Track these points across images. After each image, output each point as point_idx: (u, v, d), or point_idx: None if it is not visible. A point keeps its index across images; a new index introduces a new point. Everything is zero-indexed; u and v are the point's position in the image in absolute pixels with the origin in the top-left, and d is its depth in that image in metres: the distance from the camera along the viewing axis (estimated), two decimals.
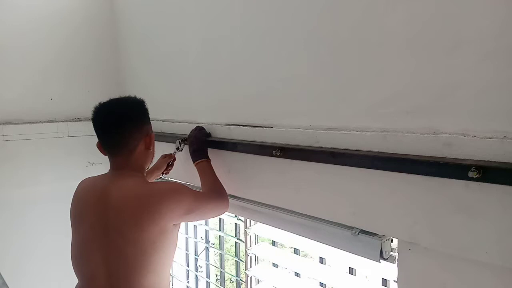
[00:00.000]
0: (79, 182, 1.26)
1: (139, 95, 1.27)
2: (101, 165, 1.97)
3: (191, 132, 1.43)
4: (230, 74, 1.35)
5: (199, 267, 2.14)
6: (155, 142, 1.29)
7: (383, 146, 0.90)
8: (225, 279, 3.35)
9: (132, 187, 1.11)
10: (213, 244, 2.15)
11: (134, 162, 1.19)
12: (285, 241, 1.48)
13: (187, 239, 2.14)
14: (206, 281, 2.08)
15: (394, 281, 1.01)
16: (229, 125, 1.36)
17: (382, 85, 0.90)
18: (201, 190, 1.27)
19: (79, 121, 2.01)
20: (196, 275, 2.13)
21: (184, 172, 1.58)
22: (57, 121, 1.96)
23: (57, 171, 1.94)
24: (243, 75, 1.29)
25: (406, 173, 0.85)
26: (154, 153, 1.29)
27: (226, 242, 4.13)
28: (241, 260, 1.77)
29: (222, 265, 2.11)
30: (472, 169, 0.72)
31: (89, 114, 1.19)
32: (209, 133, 1.43)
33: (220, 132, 1.39)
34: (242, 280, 1.74)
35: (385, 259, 1.00)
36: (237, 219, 1.74)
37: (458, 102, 0.78)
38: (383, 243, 0.99)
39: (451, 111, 0.79)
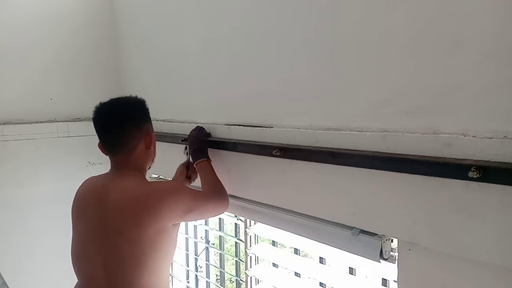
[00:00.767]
0: (80, 182, 1.26)
1: (139, 95, 1.27)
2: (101, 165, 1.97)
3: (191, 132, 1.43)
4: (230, 74, 1.35)
5: (199, 267, 2.14)
6: (156, 142, 1.29)
7: (383, 146, 0.90)
8: (225, 279, 3.34)
9: (132, 187, 1.12)
10: (213, 244, 2.15)
11: (134, 162, 1.20)
12: (285, 241, 1.48)
13: (187, 239, 2.14)
14: (206, 281, 2.08)
15: (394, 281, 1.01)
16: (229, 125, 1.36)
17: (382, 85, 0.90)
18: (201, 190, 1.27)
19: (79, 121, 2.01)
20: (196, 275, 2.13)
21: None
22: (57, 121, 1.96)
23: (57, 171, 1.94)
24: (243, 75, 1.29)
25: (406, 173, 0.85)
26: (155, 153, 1.29)
27: (226, 242, 4.13)
28: (241, 260, 1.77)
29: (222, 265, 2.11)
30: (472, 169, 0.72)
31: (89, 114, 1.19)
32: (209, 133, 1.43)
33: (220, 132, 1.39)
34: (242, 280, 1.74)
35: (385, 259, 1.00)
36: (237, 219, 1.74)
37: (458, 102, 0.78)
38: (383, 243, 0.99)
39: (451, 111, 0.79)
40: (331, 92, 1.02)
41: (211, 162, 1.35)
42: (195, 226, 2.10)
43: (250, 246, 1.59)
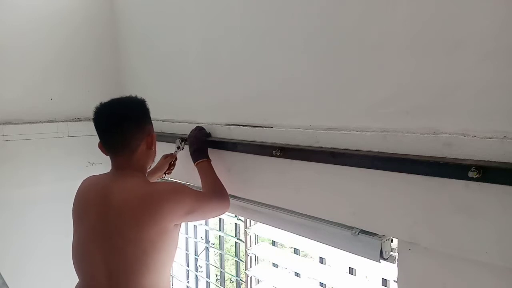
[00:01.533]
0: (81, 181, 1.26)
1: (139, 95, 1.27)
2: (101, 165, 1.97)
3: (191, 132, 1.43)
4: (230, 74, 1.35)
5: (199, 267, 2.14)
6: (156, 142, 1.29)
7: (383, 146, 0.90)
8: (225, 279, 3.34)
9: (133, 187, 1.12)
10: (213, 244, 2.15)
11: (135, 162, 1.19)
12: (285, 241, 1.48)
13: (187, 239, 2.14)
14: (206, 281, 2.08)
15: (394, 281, 1.01)
16: (229, 125, 1.36)
17: (382, 85, 0.90)
18: (201, 190, 1.27)
19: (79, 121, 2.01)
20: (196, 275, 2.13)
21: (185, 172, 1.58)
22: (57, 121, 1.96)
23: (57, 171, 1.94)
24: (243, 75, 1.29)
25: (406, 173, 0.85)
26: (155, 153, 1.29)
27: (226, 242, 4.13)
28: (241, 260, 1.77)
29: (222, 265, 2.11)
30: (472, 169, 0.72)
31: (89, 114, 1.19)
32: (209, 133, 1.43)
33: (220, 132, 1.39)
34: (242, 280, 1.74)
35: (385, 259, 1.00)
36: (237, 219, 1.74)
37: (458, 102, 0.78)
38: (383, 243, 0.99)
39: (451, 111, 0.79)
40: (331, 92, 1.02)
41: (211, 162, 1.35)
42: (195, 226, 2.10)
43: (250, 246, 1.59)
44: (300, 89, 1.10)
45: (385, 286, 1.24)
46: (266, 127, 1.21)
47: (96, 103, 1.19)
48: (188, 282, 2.17)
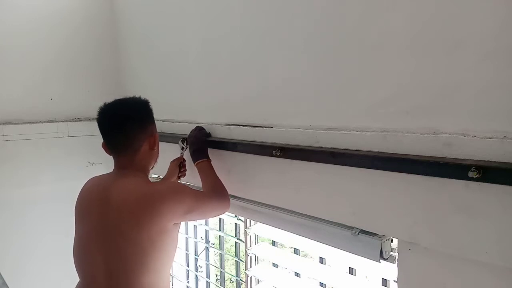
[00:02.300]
0: (80, 182, 1.26)
1: (139, 95, 1.27)
2: (101, 165, 1.97)
3: (191, 132, 1.43)
4: (230, 74, 1.35)
5: (199, 267, 2.14)
6: (159, 142, 1.29)
7: (383, 146, 0.90)
8: (225, 279, 3.34)
9: (133, 187, 1.12)
10: (213, 244, 2.15)
11: (138, 162, 1.20)
12: (285, 241, 1.48)
13: (187, 239, 2.14)
14: (206, 281, 2.08)
15: (394, 281, 1.01)
16: (229, 125, 1.36)
17: (382, 85, 0.90)
18: (202, 190, 1.27)
19: (79, 121, 2.00)
20: (196, 275, 2.13)
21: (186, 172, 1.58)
22: (57, 121, 1.96)
23: (57, 171, 1.94)
24: (243, 75, 1.29)
25: (406, 173, 0.85)
26: (158, 153, 1.29)
27: (226, 242, 4.13)
28: (241, 260, 1.77)
29: (222, 265, 2.11)
30: (472, 169, 0.72)
31: (89, 114, 1.19)
32: (209, 133, 1.43)
33: (220, 132, 1.39)
34: (242, 280, 1.74)
35: (385, 259, 1.00)
36: (237, 219, 1.74)
37: (458, 102, 0.78)
38: (383, 243, 0.99)
39: (451, 111, 0.79)
40: (331, 92, 1.02)
41: (211, 162, 1.35)
42: (195, 226, 2.10)
43: (250, 246, 1.59)
44: (300, 89, 1.10)
45: (385, 286, 1.24)
46: (266, 127, 1.21)
47: (96, 103, 1.20)
48: (188, 282, 2.17)
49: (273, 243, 1.66)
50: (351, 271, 1.33)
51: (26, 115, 1.88)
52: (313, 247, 1.35)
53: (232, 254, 2.67)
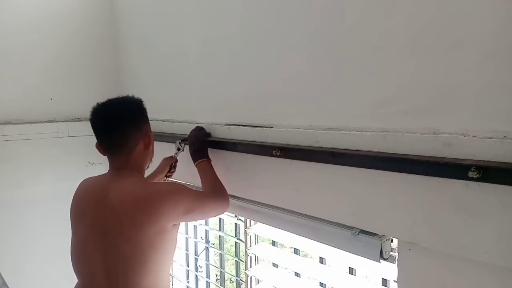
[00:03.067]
0: (79, 182, 1.26)
1: (139, 95, 1.27)
2: (101, 165, 1.97)
3: (191, 132, 1.43)
4: (230, 74, 1.35)
5: (199, 267, 2.14)
6: (155, 142, 1.29)
7: (383, 146, 0.90)
8: (225, 279, 3.34)
9: (131, 188, 1.11)
10: (213, 244, 2.15)
11: (133, 162, 1.19)
12: (285, 241, 1.48)
13: (187, 239, 2.14)
14: (206, 281, 2.08)
15: (394, 281, 1.01)
16: (229, 125, 1.36)
17: (382, 85, 0.90)
18: (201, 190, 1.27)
19: (79, 121, 2.01)
20: (196, 275, 2.13)
21: (185, 172, 1.58)
22: (57, 121, 1.96)
23: (57, 171, 1.94)
24: (243, 75, 1.29)
25: (406, 173, 0.85)
26: (153, 153, 1.29)
27: (226, 242, 4.13)
28: (241, 260, 1.77)
29: (222, 265, 2.11)
30: (472, 169, 0.72)
31: (89, 114, 1.19)
32: (209, 133, 1.43)
33: (220, 132, 1.39)
34: (242, 280, 1.74)
35: (385, 259, 1.00)
36: (237, 219, 1.74)
37: (458, 102, 0.78)
38: (383, 243, 0.99)
39: (451, 111, 0.79)
40: (331, 92, 1.02)
41: (211, 162, 1.35)
42: (195, 226, 2.10)
43: (250, 246, 1.59)
44: (300, 89, 1.10)
45: (385, 286, 1.24)
46: (266, 127, 1.21)
47: (95, 103, 1.19)
48: (188, 282, 2.17)
49: (273, 243, 1.66)
50: (351, 271, 1.33)
51: (26, 115, 1.88)
52: (313, 247, 1.35)
53: (232, 254, 2.67)
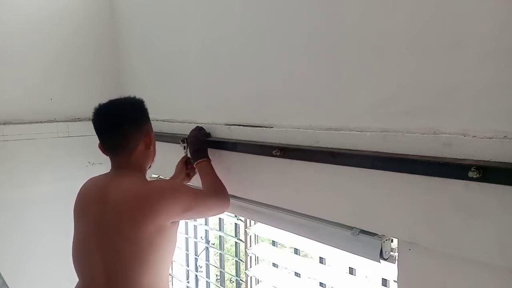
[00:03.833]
0: (80, 182, 1.27)
1: (139, 95, 1.27)
2: (101, 165, 1.96)
3: (191, 132, 1.43)
4: (230, 74, 1.35)
5: (199, 267, 2.14)
6: (155, 142, 1.29)
7: (383, 146, 0.90)
8: (225, 279, 3.34)
9: (130, 186, 1.12)
10: (213, 244, 2.15)
11: (134, 162, 1.20)
12: (285, 241, 1.48)
13: (187, 239, 2.14)
14: (206, 281, 2.08)
15: (394, 281, 1.01)
16: (229, 125, 1.36)
17: (382, 85, 0.90)
18: (201, 189, 1.27)
19: (79, 121, 2.01)
20: (196, 275, 2.13)
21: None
22: (57, 121, 1.96)
23: (57, 171, 1.94)
24: (243, 75, 1.29)
25: (406, 173, 0.85)
26: (155, 153, 1.29)
27: (226, 242, 4.13)
28: (241, 260, 1.77)
29: (222, 265, 2.11)
30: (472, 169, 0.72)
31: (89, 114, 1.19)
32: (209, 133, 1.43)
33: (220, 132, 1.39)
34: (242, 280, 1.74)
35: (385, 259, 1.00)
36: (237, 219, 1.74)
37: (458, 102, 0.78)
38: (383, 243, 0.99)
39: (451, 111, 0.79)
40: (331, 92, 1.02)
41: (211, 162, 1.35)
42: (195, 226, 2.10)
43: (250, 246, 1.59)
44: (300, 89, 1.10)
45: (385, 286, 1.24)
46: (266, 127, 1.21)
47: (96, 103, 1.20)
48: (188, 282, 2.17)
49: (273, 243, 1.66)
50: (351, 271, 1.33)
51: (26, 115, 1.88)
52: (313, 247, 1.35)
53: (232, 254, 2.67)
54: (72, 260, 1.17)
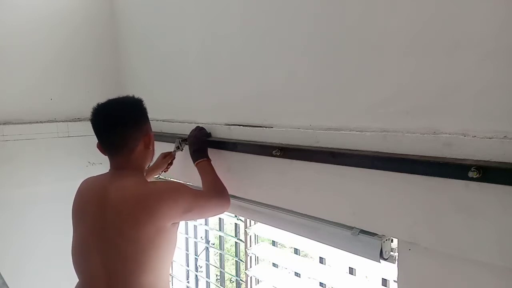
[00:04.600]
0: (80, 181, 1.27)
1: (139, 95, 1.27)
2: (101, 165, 1.97)
3: (191, 132, 1.43)
4: (230, 74, 1.35)
5: (199, 267, 2.14)
6: (155, 142, 1.29)
7: (383, 146, 0.90)
8: (225, 279, 3.34)
9: (131, 187, 1.12)
10: (213, 244, 2.15)
11: (133, 162, 1.20)
12: (285, 241, 1.48)
13: (187, 239, 2.14)
14: (206, 281, 2.08)
15: (394, 281, 1.01)
16: (229, 125, 1.36)
17: (382, 85, 0.90)
18: (201, 189, 1.27)
19: (79, 121, 2.01)
20: (196, 275, 2.13)
21: (184, 172, 1.58)
22: (57, 121, 1.96)
23: (57, 171, 1.94)
24: (243, 75, 1.29)
25: (406, 173, 0.85)
26: (154, 152, 1.29)
27: (226, 242, 4.13)
28: (241, 260, 1.77)
29: (222, 265, 2.11)
30: (472, 169, 0.72)
31: (89, 114, 1.19)
32: (209, 133, 1.43)
33: (220, 132, 1.39)
34: (242, 280, 1.74)
35: (385, 259, 1.00)
36: (237, 219, 1.74)
37: (458, 102, 0.78)
38: (383, 243, 0.99)
39: (451, 111, 0.79)
40: (331, 92, 1.02)
41: (211, 162, 1.35)
42: (195, 226, 2.10)
43: (250, 246, 1.59)
44: (300, 89, 1.10)
45: (385, 286, 1.24)
46: (266, 127, 1.21)
47: (95, 103, 1.20)
48: (188, 282, 2.17)
49: (273, 243, 1.66)
50: (351, 271, 1.33)
51: (26, 115, 1.88)
52: (313, 247, 1.35)
53: (232, 254, 2.67)
54: (71, 260, 1.17)
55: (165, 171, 1.60)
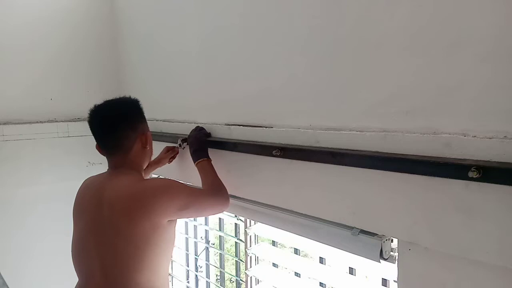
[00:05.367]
0: (80, 182, 1.28)
1: (139, 95, 1.27)
2: (101, 165, 1.96)
3: (191, 132, 1.44)
4: (230, 74, 1.35)
5: (199, 267, 2.14)
6: (154, 142, 1.30)
7: (383, 146, 0.90)
8: (225, 279, 3.35)
9: (126, 185, 1.13)
10: (213, 244, 2.15)
11: (131, 161, 1.21)
12: (285, 241, 1.48)
13: (187, 239, 2.14)
14: (206, 281, 2.08)
15: (394, 281, 1.01)
16: (229, 125, 1.36)
17: (382, 85, 0.90)
18: (199, 188, 1.27)
19: (79, 121, 2.01)
20: (196, 275, 2.13)
21: (184, 172, 1.58)
22: (57, 121, 1.96)
23: (57, 171, 1.94)
24: (243, 75, 1.29)
25: (406, 173, 0.85)
26: (152, 152, 1.30)
27: (226, 242, 4.13)
28: (241, 260, 1.77)
29: (222, 265, 2.11)
30: (472, 169, 0.72)
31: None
32: (209, 133, 1.43)
33: (220, 132, 1.39)
34: (242, 280, 1.74)
35: (385, 259, 1.00)
36: (237, 219, 1.74)
37: (458, 102, 0.78)
38: (383, 243, 0.99)
39: (451, 111, 0.79)
40: (331, 92, 1.02)
41: (211, 162, 1.35)
42: (195, 226, 2.10)
43: (250, 246, 1.59)
44: (300, 89, 1.10)
45: (385, 286, 1.24)
46: (266, 127, 1.21)
47: (96, 103, 1.20)
48: (188, 282, 2.17)
49: (273, 243, 1.66)
50: (351, 271, 1.33)
51: (26, 115, 1.88)
52: (313, 247, 1.35)
53: (232, 254, 2.67)
54: (71, 259, 1.17)
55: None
